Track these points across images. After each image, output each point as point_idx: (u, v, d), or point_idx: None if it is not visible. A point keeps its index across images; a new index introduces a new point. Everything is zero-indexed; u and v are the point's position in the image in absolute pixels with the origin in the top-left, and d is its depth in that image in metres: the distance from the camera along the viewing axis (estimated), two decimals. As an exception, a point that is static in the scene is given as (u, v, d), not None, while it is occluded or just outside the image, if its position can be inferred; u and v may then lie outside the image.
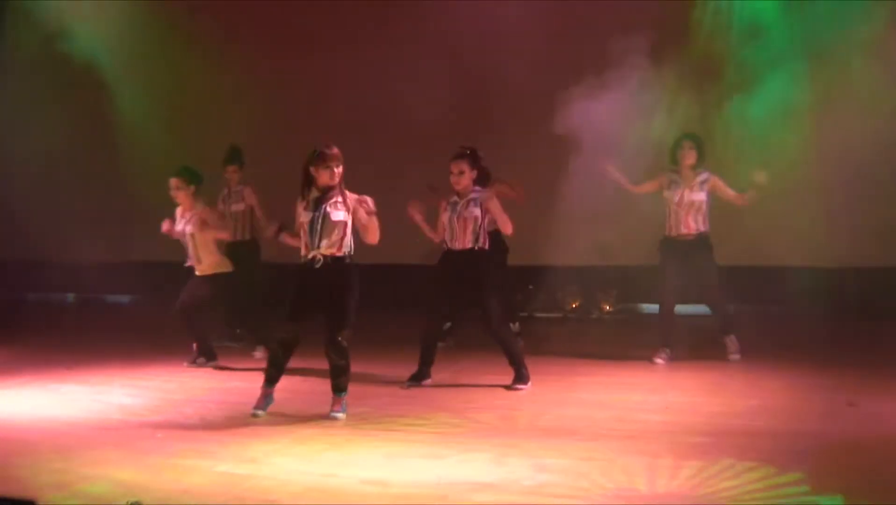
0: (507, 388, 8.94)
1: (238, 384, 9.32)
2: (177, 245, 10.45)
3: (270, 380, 8.02)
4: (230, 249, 10.87)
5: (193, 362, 10.42)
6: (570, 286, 13.86)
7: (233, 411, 8.10)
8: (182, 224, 10.30)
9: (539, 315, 13.91)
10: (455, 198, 9.14)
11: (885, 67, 11.98)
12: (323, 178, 7.81)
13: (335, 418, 7.76)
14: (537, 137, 12.02)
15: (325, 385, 9.13)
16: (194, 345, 10.49)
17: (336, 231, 7.80)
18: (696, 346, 10.61)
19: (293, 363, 8.54)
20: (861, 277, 12.85)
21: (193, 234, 10.25)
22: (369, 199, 7.89)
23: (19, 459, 6.49)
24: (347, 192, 7.91)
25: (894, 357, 9.87)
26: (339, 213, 7.82)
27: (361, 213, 7.85)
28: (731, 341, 10.09)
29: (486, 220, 9.13)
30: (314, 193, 7.89)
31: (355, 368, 9.52)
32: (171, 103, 14.91)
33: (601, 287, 13.78)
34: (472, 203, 9.07)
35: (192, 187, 10.32)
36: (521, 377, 9.01)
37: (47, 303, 15.83)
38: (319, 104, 14.92)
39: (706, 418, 7.62)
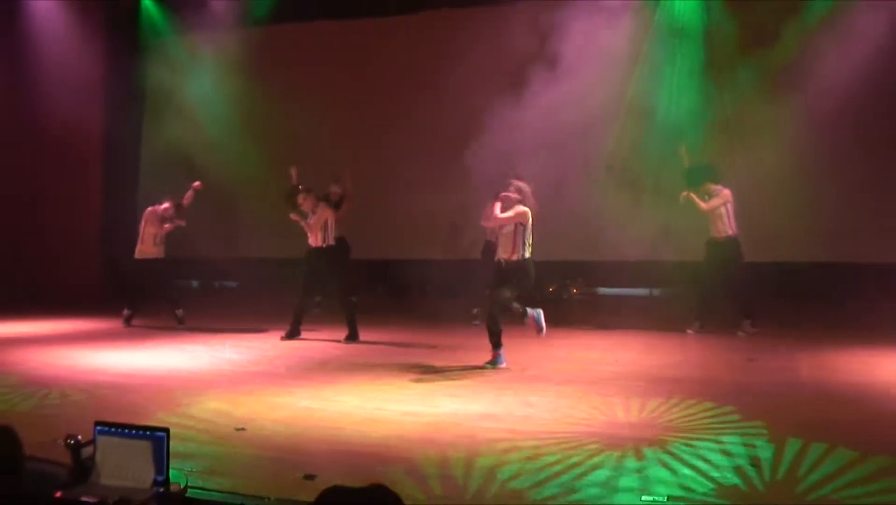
0: (342, 341, 9.47)
1: (316, 345, 9.41)
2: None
3: None
4: None
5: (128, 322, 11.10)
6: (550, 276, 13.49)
7: (311, 364, 8.18)
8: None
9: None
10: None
11: None
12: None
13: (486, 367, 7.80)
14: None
15: (378, 346, 9.23)
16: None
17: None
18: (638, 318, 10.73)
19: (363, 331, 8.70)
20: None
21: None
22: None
23: (157, 398, 6.61)
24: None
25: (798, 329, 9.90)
26: None
27: None
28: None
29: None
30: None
31: (404, 337, 9.78)
32: (277, 143, 13.67)
33: (570, 275, 13.13)
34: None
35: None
36: (352, 336, 9.55)
37: (178, 287, 15.70)
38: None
39: (645, 369, 7.69)
